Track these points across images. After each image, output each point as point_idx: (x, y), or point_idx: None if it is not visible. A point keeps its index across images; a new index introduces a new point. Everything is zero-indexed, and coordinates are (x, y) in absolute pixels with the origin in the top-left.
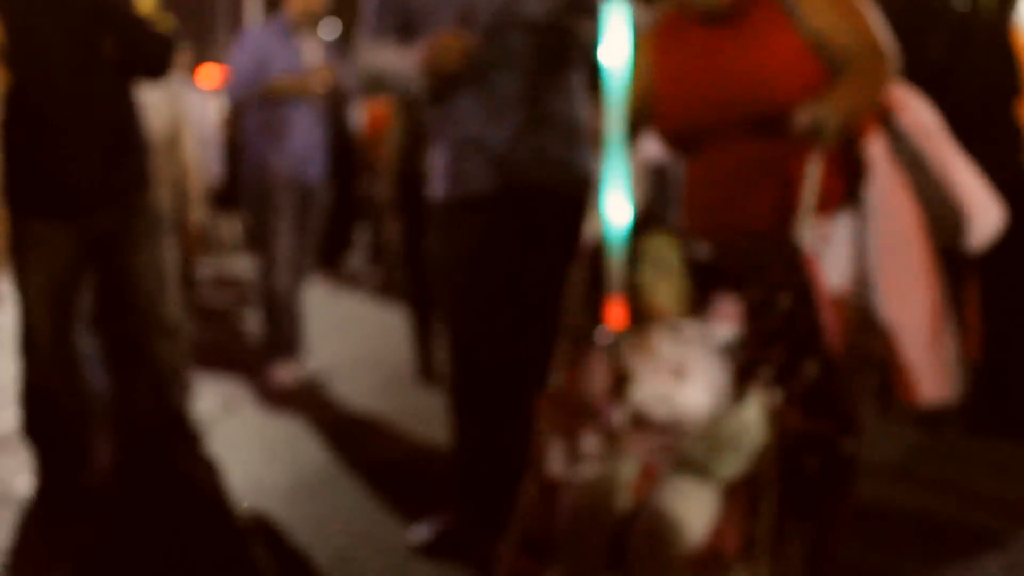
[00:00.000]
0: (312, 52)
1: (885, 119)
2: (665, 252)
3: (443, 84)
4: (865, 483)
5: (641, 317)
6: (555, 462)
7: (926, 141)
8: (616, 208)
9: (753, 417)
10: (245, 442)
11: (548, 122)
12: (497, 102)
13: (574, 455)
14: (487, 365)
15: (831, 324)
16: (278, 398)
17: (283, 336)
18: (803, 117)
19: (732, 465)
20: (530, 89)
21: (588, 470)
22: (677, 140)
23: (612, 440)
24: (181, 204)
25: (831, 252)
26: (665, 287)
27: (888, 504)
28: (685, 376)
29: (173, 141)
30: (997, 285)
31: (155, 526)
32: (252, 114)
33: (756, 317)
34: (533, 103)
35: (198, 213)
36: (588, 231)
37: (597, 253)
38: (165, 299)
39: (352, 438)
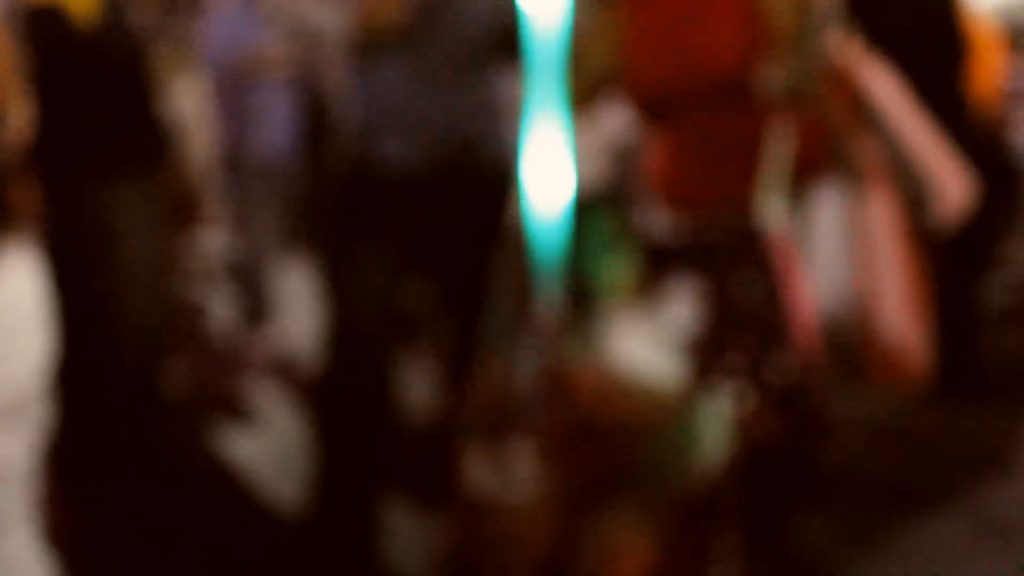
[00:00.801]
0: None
1: (847, 84)
2: (614, 230)
3: (374, 44)
4: (834, 444)
5: (585, 303)
6: (481, 480)
7: (890, 108)
8: (555, 188)
9: (711, 423)
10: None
11: (481, 100)
12: (429, 75)
13: (502, 471)
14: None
15: (806, 313)
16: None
17: (257, 310)
18: (774, 77)
19: (685, 481)
20: (465, 64)
21: (518, 490)
22: (647, 106)
23: (546, 452)
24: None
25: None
26: (614, 269)
27: (858, 466)
28: (633, 371)
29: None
30: (955, 247)
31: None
32: (223, 93)
33: (716, 303)
34: (467, 79)
35: None
36: (518, 214)
37: (526, 237)
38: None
39: None
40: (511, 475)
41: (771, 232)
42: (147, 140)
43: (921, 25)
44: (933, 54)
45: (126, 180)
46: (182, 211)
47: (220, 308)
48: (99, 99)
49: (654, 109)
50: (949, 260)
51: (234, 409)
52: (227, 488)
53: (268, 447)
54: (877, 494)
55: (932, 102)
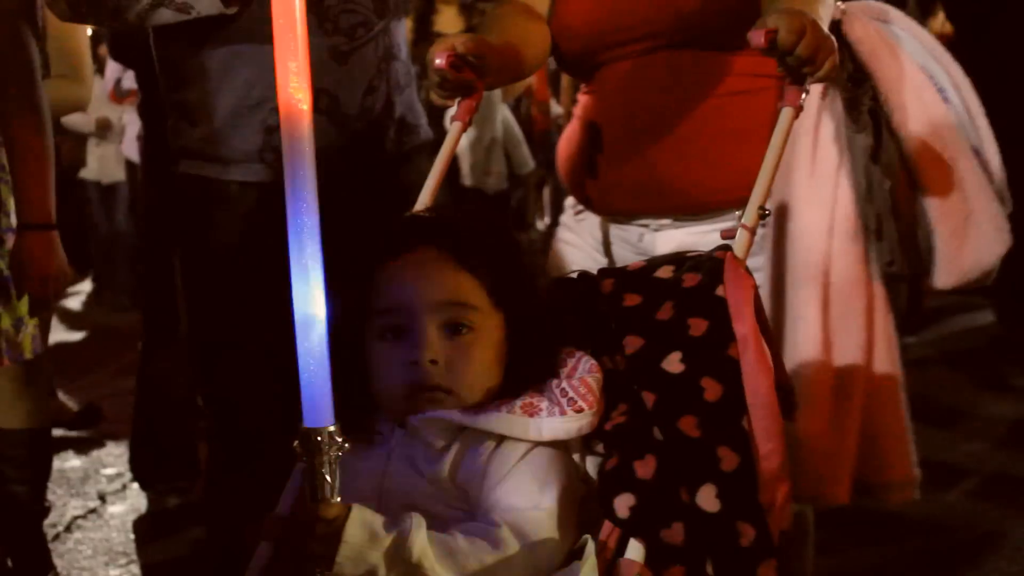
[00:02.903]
0: None
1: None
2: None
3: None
4: None
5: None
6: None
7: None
8: None
9: None
10: None
11: (389, 73)
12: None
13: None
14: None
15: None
16: None
17: None
18: (784, 34)
19: None
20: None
21: None
22: (580, 61)
23: None
24: None
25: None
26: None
27: None
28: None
29: None
30: None
31: None
32: None
33: (626, 398)
34: (372, 49)
35: None
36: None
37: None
38: None
39: None
40: None
41: (732, 259)
42: None
43: None
44: None
45: None
46: None
47: None
48: None
49: (591, 65)
50: None
51: None
52: None
53: None
54: None
55: None
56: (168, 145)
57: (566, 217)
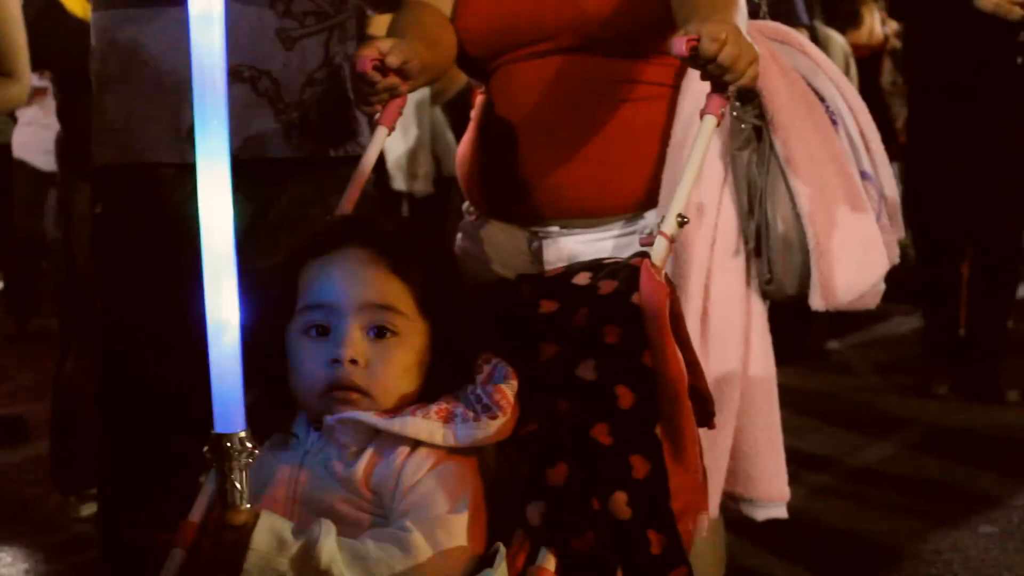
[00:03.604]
0: None
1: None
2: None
3: None
4: None
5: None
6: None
7: (794, 141)
8: None
9: None
10: None
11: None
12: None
13: None
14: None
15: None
16: None
17: None
18: (706, 43)
19: None
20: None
21: None
22: (479, 63)
23: None
24: None
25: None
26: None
27: None
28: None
29: None
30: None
31: None
32: None
33: (540, 405)
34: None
35: None
36: None
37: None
38: None
39: None
40: None
41: (649, 266)
42: None
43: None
44: None
45: None
46: None
47: None
48: None
49: (489, 65)
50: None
51: None
52: None
53: None
54: None
55: None
56: (86, 144)
57: (464, 223)
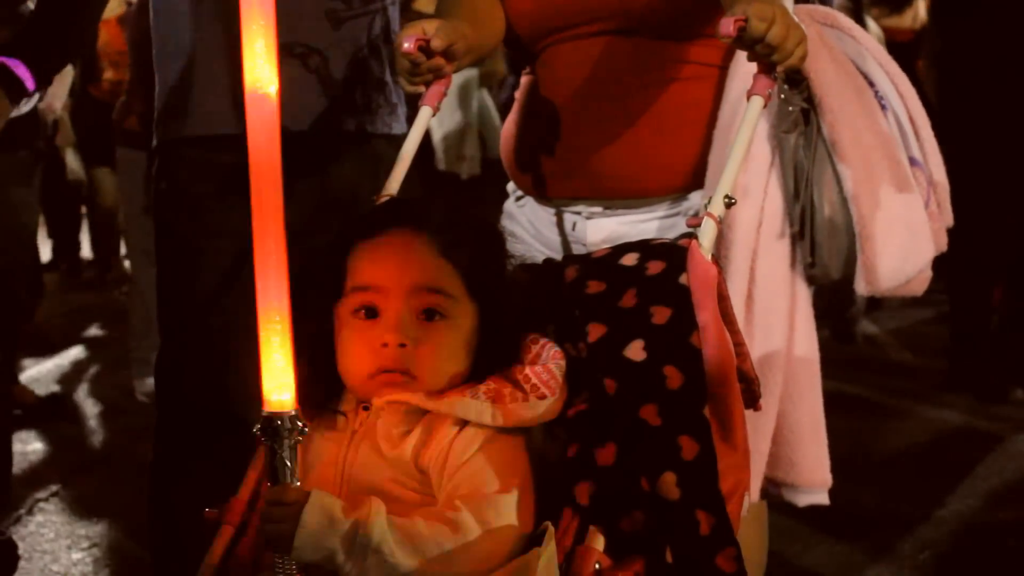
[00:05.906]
0: None
1: None
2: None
3: None
4: None
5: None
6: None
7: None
8: None
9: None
10: None
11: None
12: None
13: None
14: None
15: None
16: None
17: None
18: (754, 23)
19: None
20: None
21: None
22: (527, 44)
23: None
24: None
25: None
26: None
27: None
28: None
29: None
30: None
31: None
32: None
33: (588, 386)
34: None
35: None
36: None
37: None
38: None
39: None
40: None
41: (697, 247)
42: None
43: None
44: None
45: None
46: None
47: None
48: None
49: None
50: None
51: None
52: None
53: None
54: None
55: None
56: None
57: (508, 204)
